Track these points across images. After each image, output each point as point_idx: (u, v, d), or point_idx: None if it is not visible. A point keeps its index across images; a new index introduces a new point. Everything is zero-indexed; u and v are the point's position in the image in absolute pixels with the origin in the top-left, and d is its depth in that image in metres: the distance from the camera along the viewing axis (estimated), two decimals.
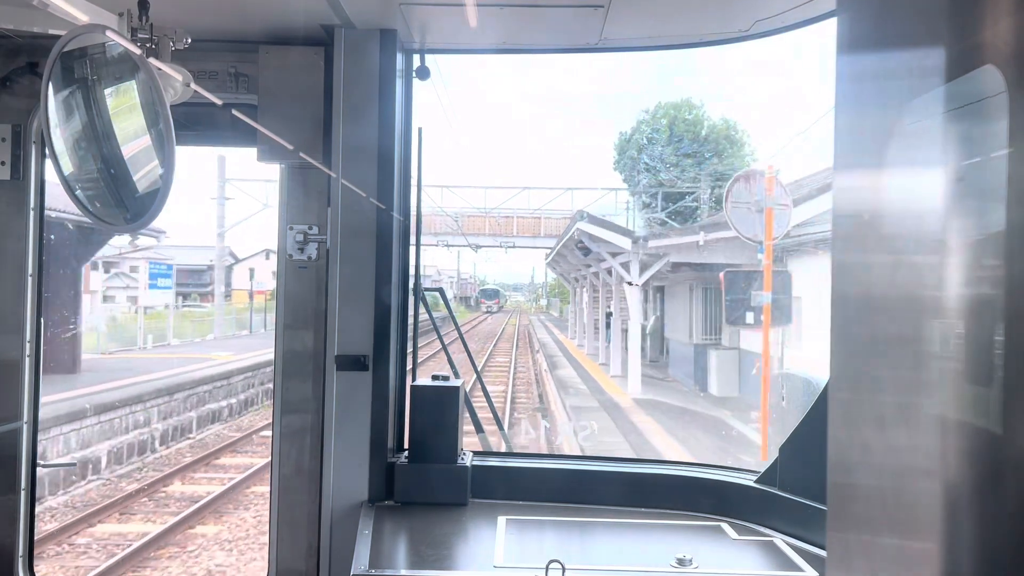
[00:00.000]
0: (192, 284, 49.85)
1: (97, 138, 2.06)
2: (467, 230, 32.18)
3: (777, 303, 13.71)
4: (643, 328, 23.31)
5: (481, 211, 33.06)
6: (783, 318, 14.22)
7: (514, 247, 34.83)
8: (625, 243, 21.00)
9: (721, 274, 15.17)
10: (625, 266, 21.37)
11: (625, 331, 22.43)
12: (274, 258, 3.51)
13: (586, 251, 24.78)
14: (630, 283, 20.93)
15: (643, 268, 20.97)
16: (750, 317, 13.89)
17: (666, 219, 29.68)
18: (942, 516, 0.86)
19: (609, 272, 24.34)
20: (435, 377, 3.51)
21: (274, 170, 3.58)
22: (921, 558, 0.90)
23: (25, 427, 3.47)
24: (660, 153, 30.91)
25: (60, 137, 2.05)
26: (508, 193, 33.15)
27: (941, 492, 0.86)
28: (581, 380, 22.48)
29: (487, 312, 60.52)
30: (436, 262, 53.84)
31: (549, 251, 33.56)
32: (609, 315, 23.30)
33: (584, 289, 32.24)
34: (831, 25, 2.81)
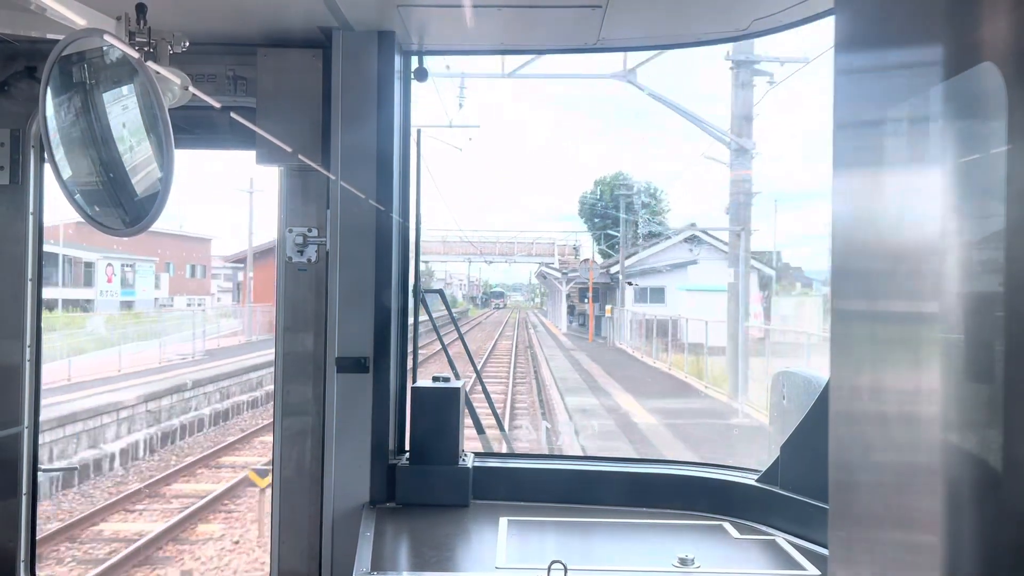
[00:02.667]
0: None
1: (96, 142, 2.06)
2: (483, 251, 53.26)
3: (596, 297, 41.84)
4: (571, 310, 50.51)
5: (492, 241, 54.48)
6: (601, 301, 42.14)
7: (515, 262, 56.30)
8: (559, 275, 49.37)
9: (572, 285, 47.95)
10: (560, 283, 49.59)
11: (573, 311, 50.46)
12: None
13: (545, 278, 57.84)
14: (561, 290, 48.93)
15: (567, 284, 47.80)
16: (584, 303, 42.59)
17: (607, 249, 52.11)
18: (944, 514, 0.86)
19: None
20: (436, 378, 3.51)
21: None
22: (923, 556, 0.90)
23: (26, 431, 3.46)
24: (603, 208, 52.50)
25: (59, 141, 2.05)
26: (512, 234, 57.68)
27: (942, 490, 0.86)
28: (546, 332, 49.21)
29: (495, 308, 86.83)
30: (448, 268, 73.84)
31: (537, 267, 58.29)
32: (572, 307, 49.32)
33: (558, 292, 55.63)
34: (829, 24, 2.81)
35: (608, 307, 39.59)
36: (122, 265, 40.97)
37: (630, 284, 37.53)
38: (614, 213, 45.24)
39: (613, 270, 41.92)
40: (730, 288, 20.47)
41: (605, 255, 49.83)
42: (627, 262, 38.99)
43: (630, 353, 31.22)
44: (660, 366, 26.24)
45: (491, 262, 55.53)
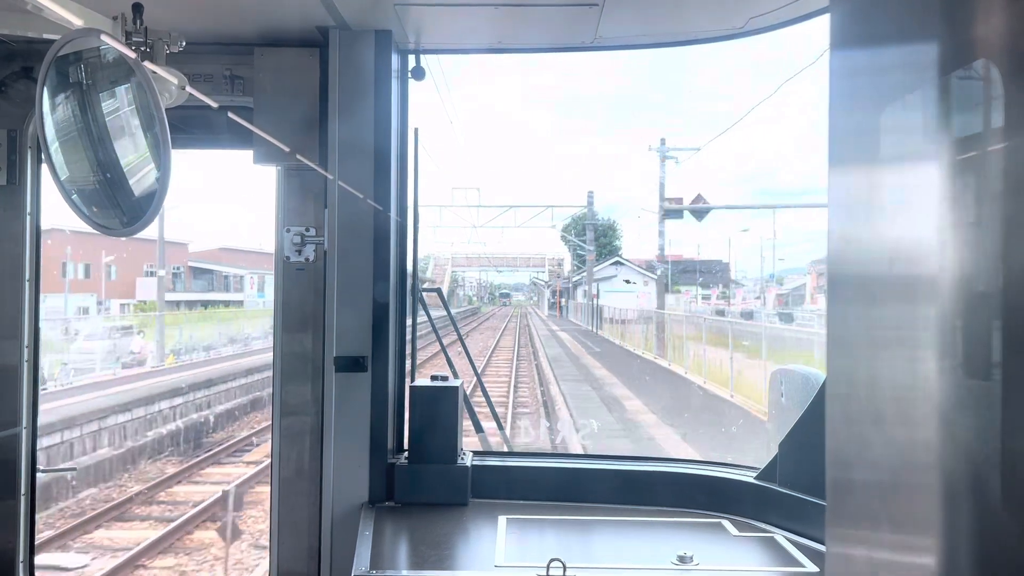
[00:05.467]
0: None
1: (93, 142, 2.05)
2: (494, 263, 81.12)
3: (563, 295, 75.52)
4: (550, 303, 79.65)
5: (501, 256, 79.14)
6: (566, 298, 72.81)
7: (518, 270, 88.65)
8: (543, 283, 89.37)
9: (550, 290, 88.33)
10: (544, 288, 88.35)
11: (550, 304, 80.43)
12: None
13: (535, 284, 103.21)
14: (545, 292, 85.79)
15: (547, 288, 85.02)
16: (555, 299, 78.20)
17: (579, 264, 70.34)
18: (940, 510, 0.86)
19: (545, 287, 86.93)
20: (434, 377, 3.51)
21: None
22: (920, 552, 0.90)
23: (24, 432, 3.46)
24: (578, 235, 67.53)
25: (55, 142, 2.05)
26: (517, 250, 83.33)
27: (939, 486, 0.86)
28: (535, 315, 74.13)
29: (502, 306, 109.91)
30: (465, 275, 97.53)
31: (533, 275, 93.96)
32: (550, 302, 76.74)
33: (543, 293, 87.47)
34: (825, 21, 2.81)
35: (563, 300, 72.16)
36: (258, 277, 62.47)
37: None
38: (588, 232, 67.85)
39: (573, 280, 72.34)
40: (587, 296, 49.07)
41: (578, 267, 73.44)
42: (581, 276, 67.89)
43: (572, 321, 59.96)
44: (578, 324, 54.07)
45: (500, 271, 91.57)
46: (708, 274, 71.82)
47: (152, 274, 52.55)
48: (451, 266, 76.44)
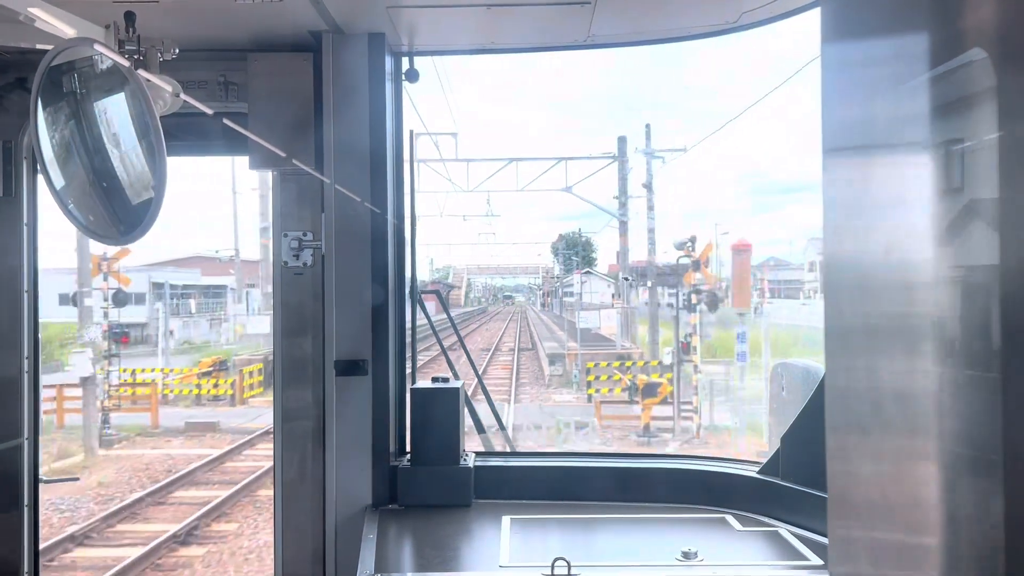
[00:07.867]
0: None
1: (88, 152, 2.05)
2: (497, 270, 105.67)
3: (550, 295, 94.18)
4: (541, 301, 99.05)
5: (505, 265, 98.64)
6: (552, 296, 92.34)
7: (518, 276, 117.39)
8: (538, 287, 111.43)
9: (540, 292, 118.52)
10: (537, 291, 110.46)
11: (541, 303, 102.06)
12: None
13: (531, 289, 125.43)
14: (538, 295, 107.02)
15: (539, 291, 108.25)
16: (544, 299, 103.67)
17: (565, 271, 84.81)
18: (939, 500, 0.86)
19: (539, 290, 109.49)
20: (435, 379, 3.51)
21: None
22: (920, 542, 0.90)
23: (26, 443, 3.46)
24: (565, 250, 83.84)
25: (51, 152, 2.05)
26: (518, 258, 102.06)
27: (938, 476, 0.86)
28: (532, 311, 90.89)
29: (505, 305, 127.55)
30: (474, 280, 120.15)
31: (531, 280, 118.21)
32: (544, 302, 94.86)
33: (537, 295, 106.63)
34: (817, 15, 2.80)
35: (550, 299, 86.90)
36: None
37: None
38: (568, 253, 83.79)
39: (555, 286, 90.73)
40: (564, 297, 71.62)
41: (564, 274, 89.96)
42: (559, 283, 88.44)
43: (554, 312, 72.59)
44: (556, 314, 67.40)
45: (504, 277, 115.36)
46: (678, 276, 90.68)
47: (253, 285, 68.25)
48: (466, 274, 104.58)
